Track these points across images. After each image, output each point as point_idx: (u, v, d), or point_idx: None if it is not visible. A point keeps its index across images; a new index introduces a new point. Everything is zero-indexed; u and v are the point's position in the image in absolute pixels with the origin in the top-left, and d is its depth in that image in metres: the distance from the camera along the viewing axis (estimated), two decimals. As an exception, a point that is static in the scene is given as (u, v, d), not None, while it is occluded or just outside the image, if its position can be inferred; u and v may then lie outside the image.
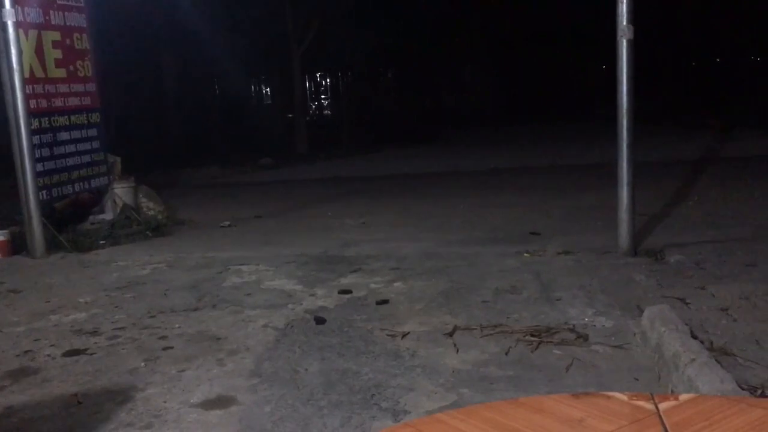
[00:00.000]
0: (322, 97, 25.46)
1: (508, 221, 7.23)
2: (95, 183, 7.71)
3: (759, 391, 2.86)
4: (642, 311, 3.94)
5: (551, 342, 3.79)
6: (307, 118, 19.96)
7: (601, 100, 16.43)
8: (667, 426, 1.02)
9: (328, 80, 25.26)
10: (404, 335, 4.05)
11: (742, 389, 2.83)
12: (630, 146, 5.26)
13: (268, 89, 24.98)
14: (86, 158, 7.51)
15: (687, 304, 4.09)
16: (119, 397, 3.43)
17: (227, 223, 7.96)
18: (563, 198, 8.29)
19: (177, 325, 4.46)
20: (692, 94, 19.36)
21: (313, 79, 24.58)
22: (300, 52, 17.32)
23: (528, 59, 23.23)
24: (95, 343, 4.22)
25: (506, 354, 3.69)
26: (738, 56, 21.35)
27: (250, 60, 19.92)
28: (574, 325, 4.01)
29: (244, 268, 5.85)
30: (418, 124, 18.69)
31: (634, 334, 3.83)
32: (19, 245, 6.80)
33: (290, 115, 18.78)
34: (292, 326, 4.33)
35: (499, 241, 6.30)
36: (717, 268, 4.85)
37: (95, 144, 7.67)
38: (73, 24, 7.36)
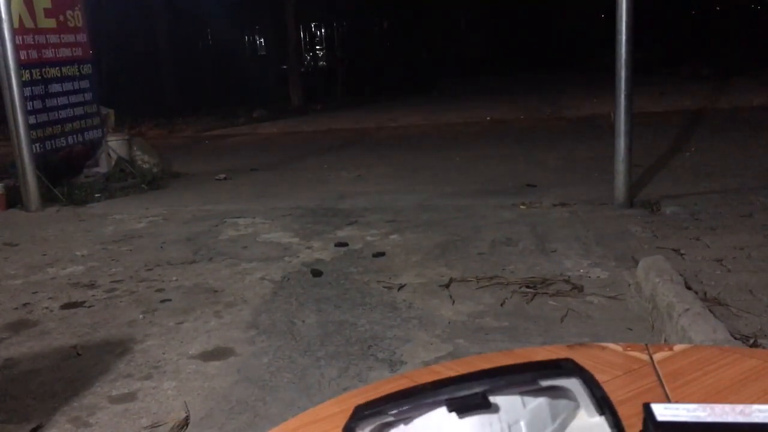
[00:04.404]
0: (317, 48, 25.09)
1: (504, 173, 7.21)
2: (89, 135, 7.65)
3: (751, 341, 2.89)
4: (637, 262, 3.96)
5: (546, 293, 3.82)
6: (302, 70, 19.70)
7: (600, 48, 16.25)
8: (661, 376, 1.03)
9: (323, 31, 24.88)
10: (400, 287, 4.07)
11: (735, 338, 2.86)
12: (628, 97, 5.23)
13: (262, 40, 24.62)
14: (79, 110, 7.44)
15: (682, 255, 4.11)
16: (118, 348, 3.46)
17: (222, 175, 7.93)
18: (559, 149, 8.26)
19: (174, 278, 4.48)
20: (690, 44, 19.13)
21: (307, 29, 24.19)
22: (294, 1, 17.01)
23: (526, 7, 22.89)
24: (93, 295, 4.25)
25: (502, 305, 3.72)
26: (737, 4, 21.02)
27: (244, 10, 19.58)
28: (569, 277, 4.04)
29: (240, 221, 5.85)
30: (413, 74, 18.50)
31: (629, 285, 3.85)
32: (14, 198, 6.78)
33: (284, 67, 18.53)
34: (288, 279, 4.35)
35: (495, 193, 6.30)
36: (712, 219, 4.86)
37: (87, 96, 7.58)
38: (61, -28, 7.21)
